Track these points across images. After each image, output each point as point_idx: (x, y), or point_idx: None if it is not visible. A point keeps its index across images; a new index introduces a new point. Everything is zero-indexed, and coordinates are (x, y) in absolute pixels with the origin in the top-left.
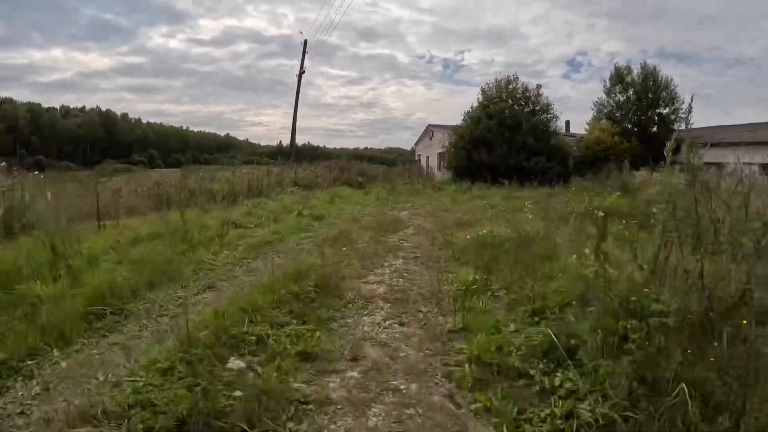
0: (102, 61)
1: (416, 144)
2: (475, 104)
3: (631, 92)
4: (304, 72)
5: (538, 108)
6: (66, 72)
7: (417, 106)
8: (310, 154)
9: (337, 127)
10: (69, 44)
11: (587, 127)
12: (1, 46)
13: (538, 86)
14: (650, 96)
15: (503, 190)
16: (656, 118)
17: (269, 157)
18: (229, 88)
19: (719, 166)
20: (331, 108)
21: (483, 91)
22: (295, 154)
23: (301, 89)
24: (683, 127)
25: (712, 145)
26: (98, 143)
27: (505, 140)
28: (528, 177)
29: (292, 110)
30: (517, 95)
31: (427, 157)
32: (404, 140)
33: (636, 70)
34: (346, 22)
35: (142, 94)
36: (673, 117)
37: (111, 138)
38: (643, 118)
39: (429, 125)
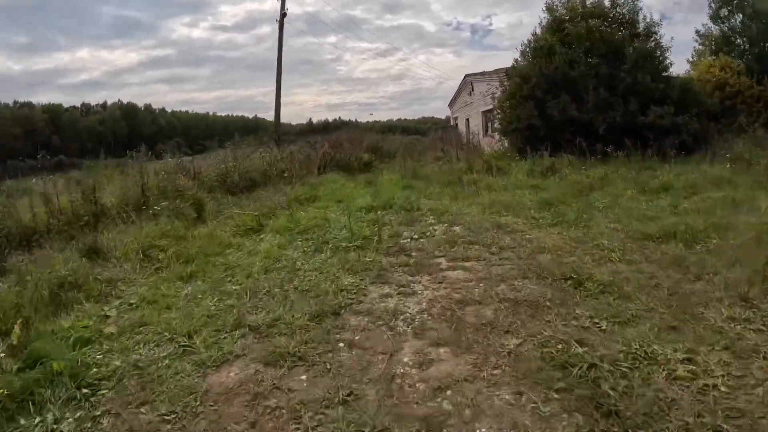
0: (128, 57)
1: (450, 104)
2: (538, 31)
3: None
4: (285, 14)
5: (639, 31)
6: (94, 71)
7: (448, 74)
8: (320, 129)
9: (369, 101)
10: (94, 44)
11: (689, 66)
12: (29, 53)
13: None
14: None
15: (631, 173)
16: None
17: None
18: (257, 70)
19: None
20: (361, 82)
21: (549, 9)
22: (279, 134)
23: (329, 64)
24: None
25: None
26: (120, 138)
27: (601, 81)
28: (645, 141)
29: (323, 88)
30: (606, 10)
31: (467, 120)
32: (438, 109)
33: None
34: None
35: (172, 84)
36: None
37: (134, 131)
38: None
39: (466, 75)
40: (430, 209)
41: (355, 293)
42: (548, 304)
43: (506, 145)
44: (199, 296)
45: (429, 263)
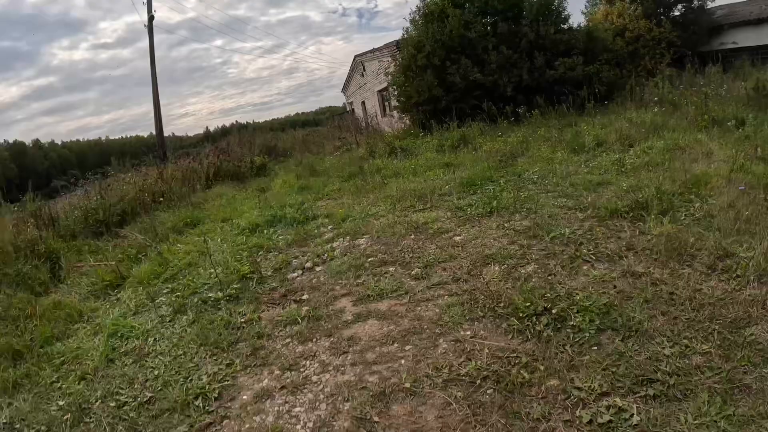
0: (10, 92)
1: (344, 89)
2: None
3: None
4: (153, 17)
5: None
6: None
7: (341, 60)
8: (219, 136)
9: (263, 100)
10: None
11: (584, 18)
12: None
13: None
14: None
15: (552, 133)
16: None
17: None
18: (146, 85)
19: None
20: (254, 82)
21: None
22: (164, 148)
23: (219, 69)
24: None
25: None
26: (13, 179)
27: (501, 39)
28: (557, 96)
29: (215, 94)
30: None
31: (363, 103)
32: (335, 98)
33: None
34: None
35: (60, 113)
36: None
37: (25, 170)
38: None
39: (356, 56)
40: (329, 215)
41: (217, 397)
42: (528, 379)
43: (408, 122)
44: None
45: (328, 312)
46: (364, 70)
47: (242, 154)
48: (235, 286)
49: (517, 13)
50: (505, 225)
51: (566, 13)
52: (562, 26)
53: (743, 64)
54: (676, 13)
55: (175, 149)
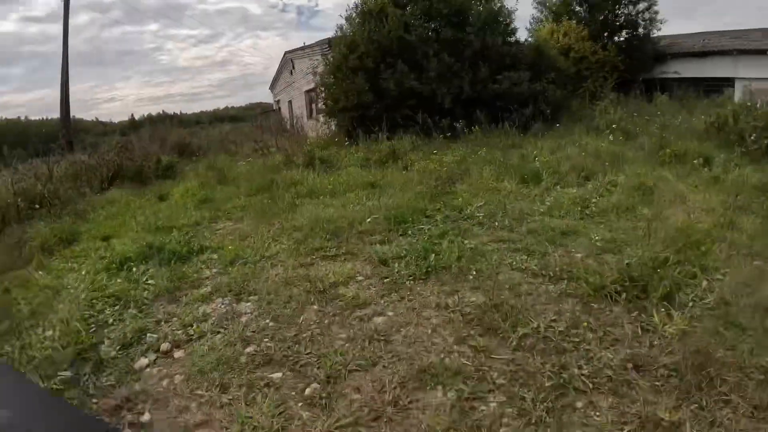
0: None
1: (272, 86)
2: None
3: None
4: None
5: None
6: None
7: (275, 58)
8: (143, 125)
9: (194, 90)
10: None
11: (528, 34)
12: None
13: None
14: None
15: (494, 154)
16: (623, 19)
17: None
18: (78, 65)
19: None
20: (186, 71)
21: None
22: (69, 136)
23: (151, 54)
24: (657, 32)
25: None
26: None
27: (444, 46)
28: (498, 113)
29: (145, 80)
30: None
31: (289, 102)
32: (267, 94)
33: None
34: None
35: None
36: (643, 18)
37: None
38: (611, 17)
39: (286, 52)
40: (219, 249)
41: None
42: None
43: (333, 128)
44: None
45: None
46: (294, 68)
47: (149, 152)
48: (63, 373)
49: (463, 20)
50: (449, 302)
51: (513, 26)
52: (509, 39)
53: (686, 94)
54: (621, 38)
55: (98, 135)
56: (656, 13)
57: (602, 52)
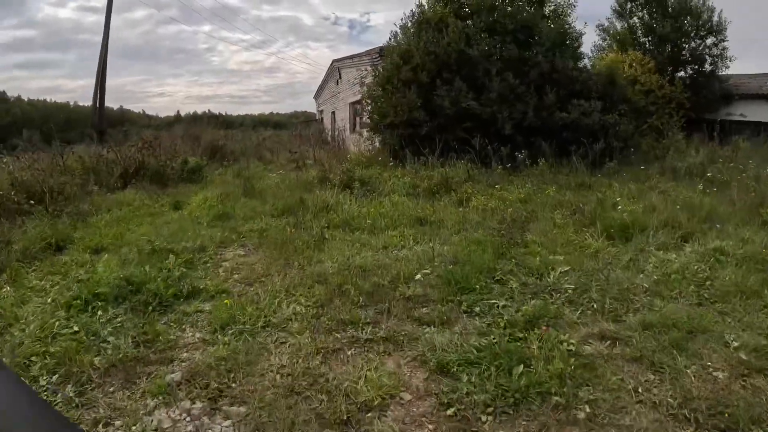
0: None
1: (316, 95)
2: (424, 2)
3: (651, 12)
4: None
5: (552, 8)
6: None
7: (323, 69)
8: (189, 122)
9: (241, 93)
10: None
11: (590, 59)
12: None
13: None
14: (687, 20)
15: (565, 195)
16: (689, 53)
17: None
18: (127, 58)
19: None
20: (234, 74)
21: None
22: (101, 125)
23: (203, 55)
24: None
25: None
26: None
27: (508, 65)
28: (564, 145)
29: (194, 79)
30: None
31: (333, 113)
32: (312, 104)
33: None
34: None
35: (34, 70)
36: (710, 53)
37: None
38: (676, 51)
39: (334, 61)
40: (214, 295)
41: None
42: None
43: (378, 145)
44: None
45: None
46: (340, 77)
47: (178, 151)
48: None
49: (529, 37)
50: None
51: (582, 50)
52: (577, 63)
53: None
54: (686, 74)
55: (142, 127)
56: (725, 49)
57: (669, 87)
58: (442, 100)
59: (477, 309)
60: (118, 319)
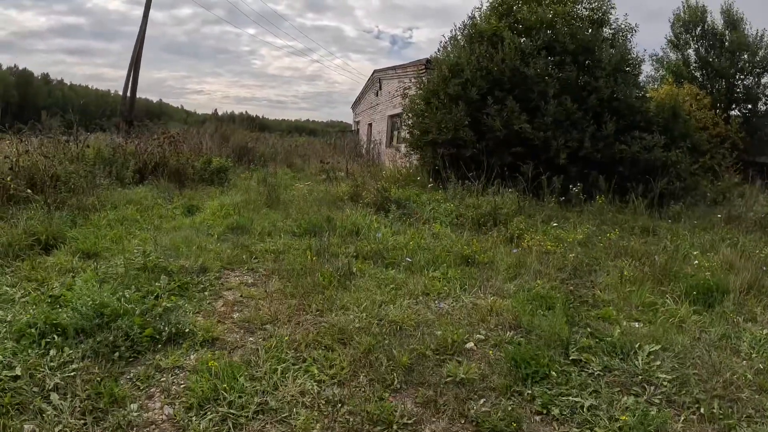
0: (38, 21)
1: (354, 105)
2: (477, 16)
3: (707, 45)
4: None
5: (611, 32)
6: (0, 31)
7: (362, 81)
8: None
9: (280, 98)
10: (3, 1)
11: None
12: None
13: None
14: (745, 56)
15: (628, 239)
16: (742, 90)
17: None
18: (170, 53)
19: None
20: (274, 79)
21: None
22: (131, 116)
23: (245, 57)
24: None
25: None
26: (11, 106)
27: (566, 87)
28: (621, 180)
29: (234, 80)
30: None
31: (369, 125)
32: (348, 114)
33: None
34: None
35: (80, 56)
36: (765, 93)
37: (27, 101)
38: (732, 88)
39: (375, 71)
40: (200, 345)
41: None
42: None
43: (415, 163)
44: None
45: None
46: (380, 88)
47: (203, 150)
48: None
49: (589, 59)
50: None
51: (642, 78)
52: (638, 92)
53: None
54: (739, 112)
55: (178, 121)
56: None
57: (724, 125)
58: (492, 121)
59: (555, 411)
60: (72, 366)
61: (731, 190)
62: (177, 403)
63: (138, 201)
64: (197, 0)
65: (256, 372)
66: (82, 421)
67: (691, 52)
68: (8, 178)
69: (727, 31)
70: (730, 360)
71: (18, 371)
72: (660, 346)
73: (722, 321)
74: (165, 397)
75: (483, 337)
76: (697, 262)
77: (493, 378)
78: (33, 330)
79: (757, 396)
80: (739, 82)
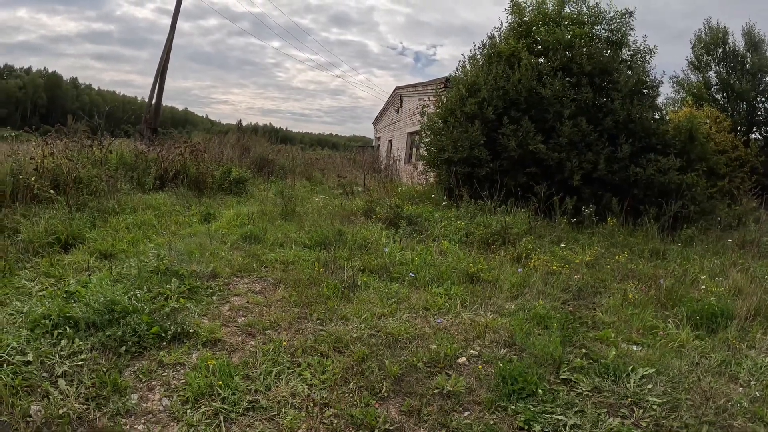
0: (68, 26)
1: (376, 121)
2: (496, 35)
3: (728, 67)
4: None
5: (630, 53)
6: (31, 34)
7: (384, 97)
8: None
9: (304, 111)
10: (35, 5)
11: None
12: None
13: (628, 13)
14: (767, 79)
15: (638, 262)
16: (762, 113)
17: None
18: (196, 63)
19: None
20: (299, 92)
21: (516, 8)
22: (156, 123)
23: (270, 69)
24: None
25: None
26: (40, 108)
27: (581, 109)
28: (635, 202)
29: (259, 92)
30: (585, 19)
31: (389, 141)
32: (370, 129)
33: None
34: (319, 6)
35: (108, 62)
36: None
37: (54, 103)
38: (753, 111)
39: (397, 88)
40: (202, 345)
41: None
42: None
43: (431, 180)
44: None
45: None
46: (401, 105)
47: (224, 159)
48: None
49: (606, 81)
50: None
51: (660, 100)
52: (655, 115)
53: None
54: (759, 135)
55: (202, 130)
56: None
57: (743, 148)
58: (507, 140)
59: (537, 428)
60: (81, 356)
61: (747, 215)
62: (174, 396)
63: (157, 207)
64: (222, 11)
65: (252, 372)
66: (85, 406)
67: (712, 74)
68: (33, 179)
69: (748, 53)
70: (727, 386)
71: (30, 357)
72: (654, 370)
73: (724, 347)
74: (164, 390)
75: (476, 353)
76: (704, 286)
77: (479, 392)
78: (47, 321)
79: (750, 423)
80: (761, 104)
